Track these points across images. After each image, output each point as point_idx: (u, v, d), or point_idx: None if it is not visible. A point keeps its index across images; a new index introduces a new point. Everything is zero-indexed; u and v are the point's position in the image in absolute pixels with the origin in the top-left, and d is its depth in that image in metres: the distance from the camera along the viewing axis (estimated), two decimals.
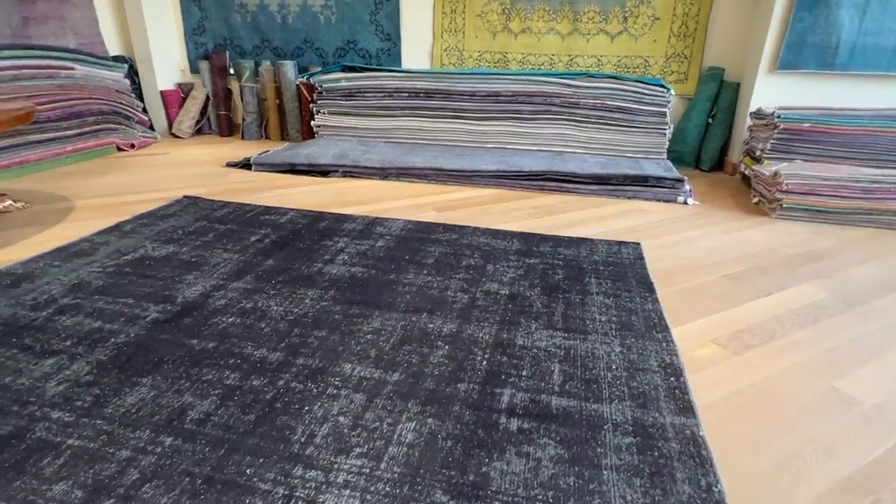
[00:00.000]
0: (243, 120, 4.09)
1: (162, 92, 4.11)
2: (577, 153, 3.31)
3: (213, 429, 1.10)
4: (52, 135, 3.15)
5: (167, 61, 4.18)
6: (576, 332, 1.49)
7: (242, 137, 4.14)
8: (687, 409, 1.19)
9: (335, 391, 1.23)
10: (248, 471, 1.00)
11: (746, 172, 2.94)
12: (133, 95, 3.79)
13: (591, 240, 2.19)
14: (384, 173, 3.03)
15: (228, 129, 4.25)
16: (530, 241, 2.15)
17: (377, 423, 1.13)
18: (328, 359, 1.35)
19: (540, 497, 0.95)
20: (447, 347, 1.41)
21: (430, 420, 1.14)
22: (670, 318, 1.58)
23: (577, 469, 1.02)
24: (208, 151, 3.70)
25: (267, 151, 3.38)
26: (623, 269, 1.91)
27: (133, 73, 4.05)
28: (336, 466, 1.01)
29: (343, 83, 3.58)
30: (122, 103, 3.65)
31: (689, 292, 1.76)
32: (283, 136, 4.09)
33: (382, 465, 1.02)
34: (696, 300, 1.71)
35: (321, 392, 1.22)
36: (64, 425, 1.10)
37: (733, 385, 1.30)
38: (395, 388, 1.24)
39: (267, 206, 2.52)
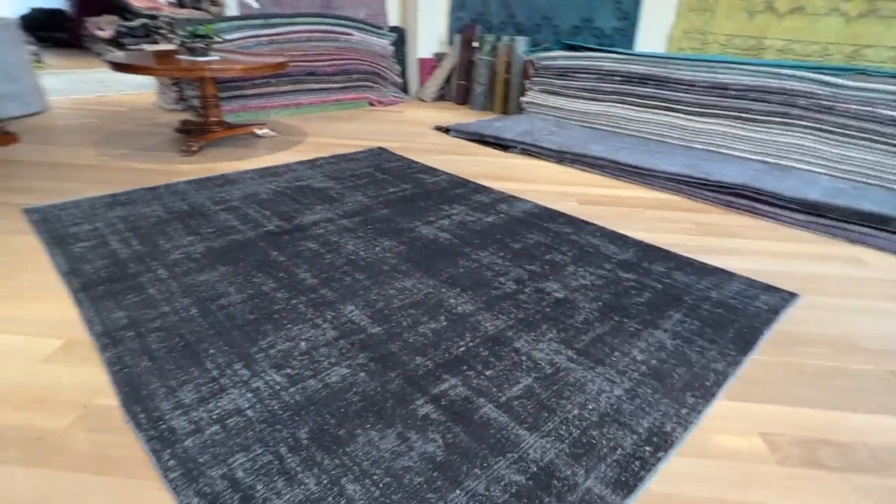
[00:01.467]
0: (475, 90, 4.40)
1: (420, 59, 4.73)
2: (812, 172, 2.54)
3: (222, 314, 1.39)
4: (323, 85, 4.02)
5: (431, 33, 4.75)
6: (590, 358, 1.28)
7: (471, 106, 4.47)
8: (624, 486, 0.93)
9: (321, 322, 1.37)
10: (211, 350, 1.24)
11: None
12: (394, 60, 4.48)
13: (730, 273, 1.73)
14: (559, 157, 2.91)
15: (464, 97, 4.64)
16: (646, 255, 1.83)
17: (322, 359, 1.23)
18: (342, 297, 1.49)
19: (376, 476, 0.93)
20: (444, 324, 1.39)
21: (361, 374, 1.19)
22: (735, 391, 1.19)
23: (436, 475, 0.94)
24: (434, 115, 4.13)
25: (473, 122, 3.60)
26: (735, 316, 1.48)
27: (402, 42, 4.76)
28: (263, 376, 1.17)
29: (560, 62, 3.50)
30: (383, 66, 4.37)
31: (803, 371, 1.27)
32: (506, 109, 4.26)
33: (292, 391, 1.13)
34: (802, 384, 1.23)
35: (311, 319, 1.38)
36: (161, 276, 1.54)
37: (723, 494, 0.94)
38: (365, 338, 1.32)
39: (430, 167, 2.75)
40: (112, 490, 0.90)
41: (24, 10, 7.87)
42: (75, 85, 4.79)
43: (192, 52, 2.79)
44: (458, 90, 4.64)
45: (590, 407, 1.12)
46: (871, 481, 0.98)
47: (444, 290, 1.56)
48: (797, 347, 1.37)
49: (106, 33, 6.47)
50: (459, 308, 1.47)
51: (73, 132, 3.20)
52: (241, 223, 1.96)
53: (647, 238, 1.99)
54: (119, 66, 2.58)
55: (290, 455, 0.97)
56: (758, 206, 2.26)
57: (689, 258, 1.83)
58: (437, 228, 1.99)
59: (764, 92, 2.67)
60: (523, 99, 3.74)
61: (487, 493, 0.91)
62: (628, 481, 0.94)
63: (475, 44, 4.41)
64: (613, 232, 2.03)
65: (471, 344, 1.31)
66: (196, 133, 2.95)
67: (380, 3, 4.63)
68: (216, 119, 3.02)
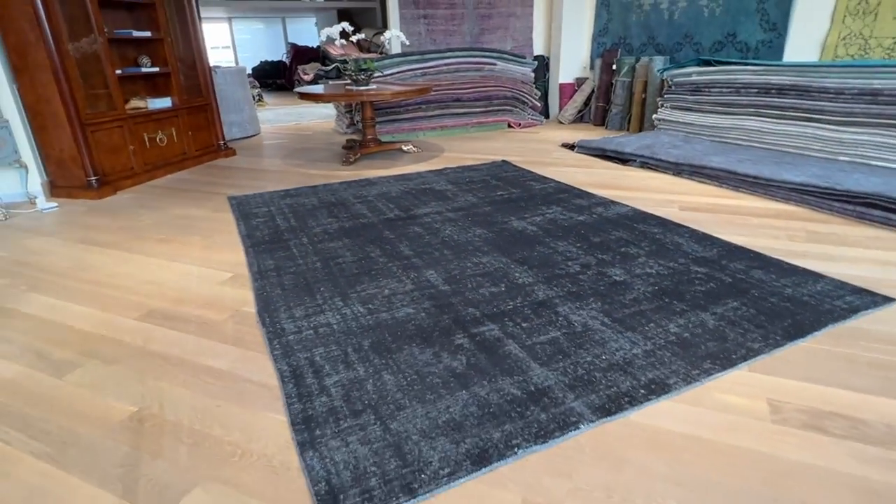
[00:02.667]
0: (611, 111, 4.49)
1: (560, 84, 4.98)
2: None
3: (336, 268, 1.82)
4: (466, 109, 4.50)
5: (574, 59, 4.98)
6: (623, 325, 1.40)
7: (606, 127, 4.56)
8: (604, 410, 1.07)
9: (405, 279, 1.72)
10: (321, 289, 1.67)
11: None
12: (533, 86, 4.80)
13: (819, 275, 1.65)
14: (677, 169, 2.90)
15: (602, 118, 4.74)
16: (730, 255, 1.82)
17: (396, 301, 1.57)
18: (427, 265, 1.82)
19: (408, 373, 1.21)
20: (503, 289, 1.63)
21: (422, 314, 1.49)
22: (763, 365, 1.22)
23: (452, 380, 1.19)
24: (567, 135, 4.33)
25: (598, 138, 3.73)
26: (800, 310, 1.44)
27: (546, 69, 5.07)
28: (351, 306, 1.54)
29: (693, 77, 3.46)
30: (523, 91, 4.72)
31: (854, 360, 1.22)
32: (641, 128, 4.26)
33: (368, 318, 1.48)
34: (844, 369, 1.19)
35: (398, 276, 1.74)
36: (303, 242, 2.06)
37: (701, 433, 1.01)
38: (434, 292, 1.62)
39: (543, 176, 2.98)
40: (240, 355, 1.34)
41: (256, 63, 10.05)
42: (281, 116, 6.05)
43: (356, 82, 3.46)
44: (596, 112, 4.76)
45: (603, 357, 1.26)
46: (872, 451, 0.96)
47: (513, 266, 1.79)
48: (861, 342, 1.30)
49: (308, 76, 7.98)
50: (520, 279, 1.69)
51: (271, 149, 4.14)
52: (370, 212, 2.43)
53: (740, 241, 1.96)
54: (302, 95, 3.34)
55: (353, 353, 1.31)
56: (894, 217, 2.04)
57: (778, 259, 1.78)
58: (528, 223, 2.22)
59: None
60: (655, 116, 3.75)
61: (487, 396, 1.13)
62: (610, 409, 1.08)
63: (614, 66, 4.52)
64: (704, 234, 2.04)
65: (519, 304, 1.53)
66: (355, 148, 3.62)
67: (526, 35, 5.02)
68: (372, 137, 3.65)
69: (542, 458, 0.98)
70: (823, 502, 0.87)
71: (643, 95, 4.19)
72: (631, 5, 4.39)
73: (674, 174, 2.92)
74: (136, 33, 3.14)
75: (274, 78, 9.97)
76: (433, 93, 4.30)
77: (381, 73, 4.08)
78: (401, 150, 3.76)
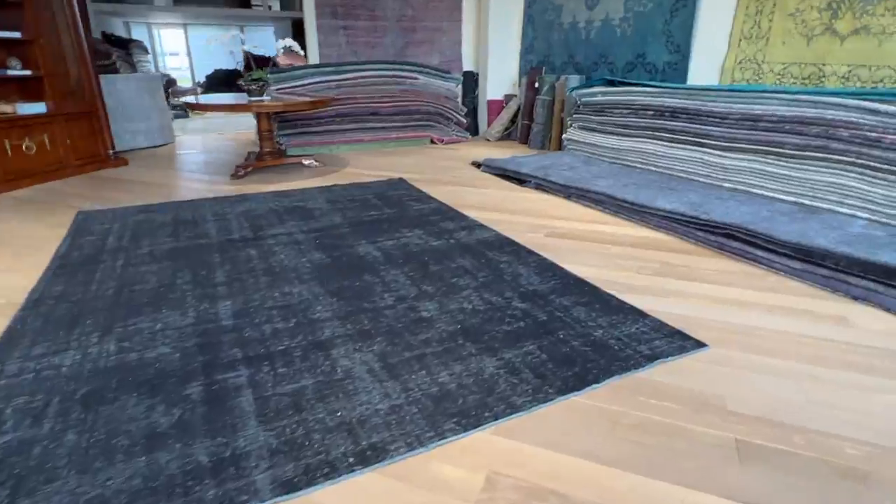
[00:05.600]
0: (533, 129, 4.40)
1: (489, 101, 4.88)
2: (852, 216, 2.08)
3: (125, 296, 1.63)
4: (384, 124, 4.36)
5: (503, 76, 4.90)
6: (389, 372, 1.24)
7: (529, 146, 4.46)
8: (288, 485, 0.90)
9: (191, 311, 1.53)
10: (88, 321, 1.47)
11: None
12: (458, 102, 4.69)
13: (643, 314, 1.51)
14: (566, 192, 2.79)
15: (527, 136, 4.65)
16: (566, 289, 1.68)
17: (160, 339, 1.39)
18: (229, 294, 1.65)
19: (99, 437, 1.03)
20: (290, 325, 1.46)
21: (176, 355, 1.31)
22: (513, 428, 1.06)
23: (152, 444, 1.01)
24: (488, 152, 4.20)
25: (501, 158, 3.61)
26: (598, 356, 1.30)
27: (475, 85, 4.97)
28: (104, 344, 1.36)
29: (598, 97, 3.37)
30: (447, 107, 4.60)
31: (620, 422, 1.07)
32: (561, 147, 4.17)
33: (112, 358, 1.29)
34: (603, 434, 1.04)
35: (187, 307, 1.56)
36: (115, 265, 1.86)
37: None
38: (212, 327, 1.44)
39: (430, 196, 2.84)
40: None
41: (210, 71, 9.85)
42: (215, 125, 5.85)
43: (249, 93, 3.30)
44: (522, 129, 4.67)
45: (339, 414, 1.09)
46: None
47: (322, 298, 1.63)
48: (640, 397, 1.16)
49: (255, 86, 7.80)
50: (318, 314, 1.52)
51: (173, 160, 3.94)
52: (217, 231, 2.25)
53: (586, 273, 1.82)
54: (188, 105, 3.16)
55: (56, 404, 1.12)
56: (750, 250, 1.93)
57: (611, 295, 1.65)
58: (376, 248, 2.06)
59: (800, 123, 2.29)
60: (564, 136, 3.65)
61: (164, 465, 0.96)
62: (298, 484, 0.91)
63: (537, 84, 4.44)
64: (552, 263, 1.90)
65: (294, 344, 1.36)
66: (251, 163, 3.44)
67: (455, 50, 4.92)
68: (269, 150, 3.48)
69: None
70: None
71: (562, 114, 4.10)
72: (553, 24, 4.33)
73: (564, 196, 2.81)
74: (2, 34, 2.94)
75: (227, 85, 9.77)
76: (348, 105, 4.16)
77: (282, 85, 3.93)
78: (301, 164, 3.60)
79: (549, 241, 2.17)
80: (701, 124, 2.72)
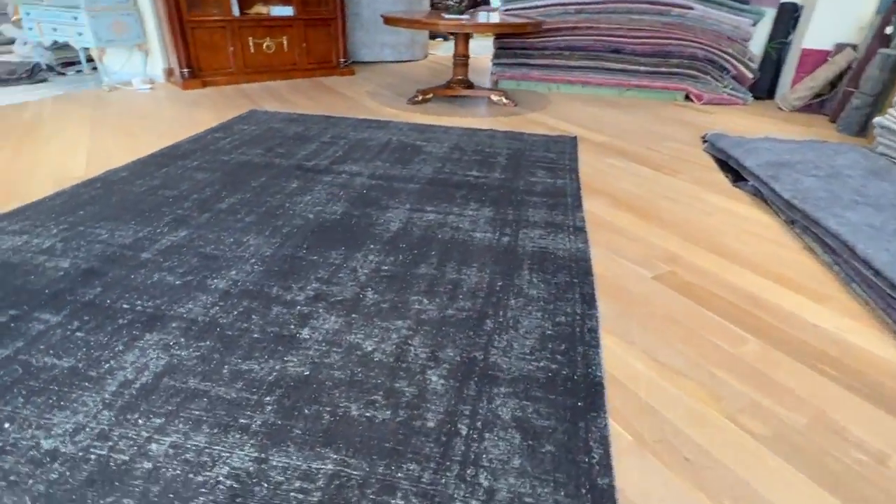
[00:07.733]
0: (851, 102, 2.77)
1: (803, 50, 3.28)
2: None
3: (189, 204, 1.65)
4: (625, 66, 3.39)
5: (843, 13, 3.17)
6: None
7: (838, 127, 2.86)
8: None
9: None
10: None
11: None
12: (747, 46, 3.28)
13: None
14: (790, 215, 1.62)
15: (840, 111, 2.99)
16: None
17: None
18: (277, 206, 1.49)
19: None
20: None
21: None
22: None
23: None
24: (747, 125, 2.88)
25: (735, 137, 2.36)
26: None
27: (792, 25, 3.39)
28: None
29: None
30: (726, 53, 3.29)
31: None
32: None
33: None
34: None
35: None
36: (190, 166, 1.93)
37: None
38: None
39: (575, 170, 2.07)
40: None
41: None
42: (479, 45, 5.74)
43: (447, 9, 2.94)
44: (843, 100, 3.03)
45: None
46: None
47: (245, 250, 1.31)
48: None
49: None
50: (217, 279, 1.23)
51: (397, 77, 3.96)
52: (305, 155, 2.11)
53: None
54: (386, 20, 3.01)
55: None
56: None
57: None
58: (409, 220, 1.58)
59: None
60: (877, 119, 2.14)
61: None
62: None
63: (888, 30, 2.73)
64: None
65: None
66: (434, 89, 3.15)
67: None
68: (460, 77, 3.11)
69: None
70: None
71: None
72: None
73: (786, 221, 1.66)
74: None
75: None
76: (583, 37, 3.37)
77: (511, 5, 3.38)
78: (490, 99, 3.13)
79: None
80: None
